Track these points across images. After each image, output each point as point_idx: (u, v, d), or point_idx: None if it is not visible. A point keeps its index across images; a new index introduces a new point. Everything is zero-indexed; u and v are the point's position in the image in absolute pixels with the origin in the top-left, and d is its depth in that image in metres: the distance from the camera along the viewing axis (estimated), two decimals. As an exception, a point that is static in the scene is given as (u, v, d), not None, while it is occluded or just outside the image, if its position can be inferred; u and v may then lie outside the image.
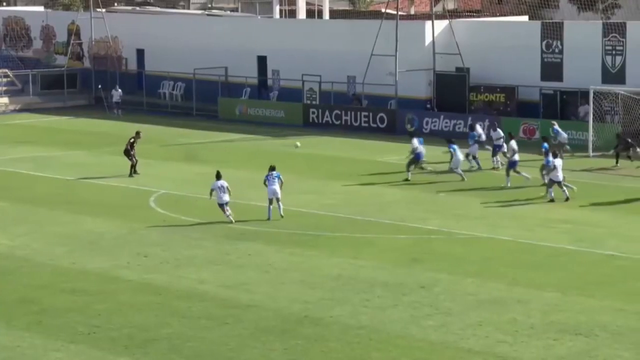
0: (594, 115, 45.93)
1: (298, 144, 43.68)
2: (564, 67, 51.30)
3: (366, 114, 53.45)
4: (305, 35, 59.23)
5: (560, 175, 35.78)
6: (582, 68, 50.08)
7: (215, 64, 60.44)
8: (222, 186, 32.98)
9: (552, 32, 51.79)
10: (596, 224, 32.82)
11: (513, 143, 39.22)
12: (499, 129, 43.09)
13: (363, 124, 52.69)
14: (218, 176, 33.25)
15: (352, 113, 53.86)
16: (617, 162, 42.28)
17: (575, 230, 32.07)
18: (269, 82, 60.80)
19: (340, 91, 56.40)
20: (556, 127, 44.37)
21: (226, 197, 33.02)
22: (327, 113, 54.52)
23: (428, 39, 54.43)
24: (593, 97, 46.13)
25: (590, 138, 45.25)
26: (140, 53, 66.18)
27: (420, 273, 27.35)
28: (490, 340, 22.26)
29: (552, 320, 23.38)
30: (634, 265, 28.16)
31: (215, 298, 25.42)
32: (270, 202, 33.54)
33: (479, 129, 42.98)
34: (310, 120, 54.92)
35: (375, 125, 52.44)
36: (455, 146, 40.13)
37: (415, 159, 40.21)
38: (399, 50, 52.95)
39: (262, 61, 60.77)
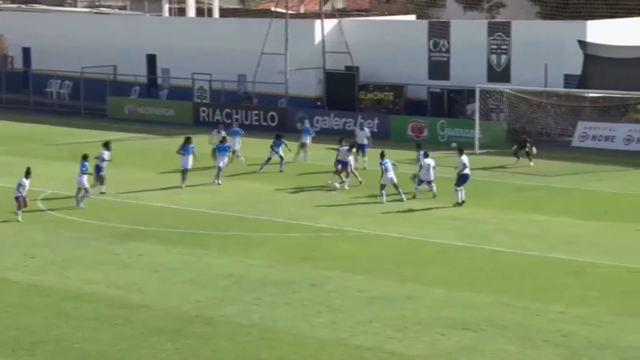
0: (480, 113, 46.63)
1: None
2: (450, 66, 52.03)
3: (257, 112, 53.44)
4: (195, 34, 58.95)
5: (430, 174, 36.03)
6: (468, 67, 50.85)
7: (103, 62, 59.75)
8: (23, 185, 33.88)
9: (439, 31, 52.48)
10: (484, 221, 33.34)
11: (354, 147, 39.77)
12: (366, 129, 43.46)
13: (254, 123, 52.65)
14: (27, 173, 34.09)
15: (243, 112, 53.78)
16: (518, 158, 42.78)
17: (463, 226, 32.55)
18: (159, 80, 60.36)
19: (231, 90, 56.29)
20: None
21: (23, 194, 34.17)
22: (217, 112, 54.33)
23: (318, 38, 54.68)
24: (479, 96, 46.85)
25: (477, 135, 45.95)
26: (26, 51, 65.10)
27: (311, 271, 27.47)
28: (380, 336, 22.48)
29: (440, 316, 23.71)
30: (520, 261, 28.69)
31: (105, 298, 25.17)
32: (79, 191, 35.13)
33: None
34: (201, 119, 54.67)
35: (266, 124, 52.44)
36: (283, 139, 42.06)
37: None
38: (289, 49, 53.08)
39: (151, 60, 60.29)
